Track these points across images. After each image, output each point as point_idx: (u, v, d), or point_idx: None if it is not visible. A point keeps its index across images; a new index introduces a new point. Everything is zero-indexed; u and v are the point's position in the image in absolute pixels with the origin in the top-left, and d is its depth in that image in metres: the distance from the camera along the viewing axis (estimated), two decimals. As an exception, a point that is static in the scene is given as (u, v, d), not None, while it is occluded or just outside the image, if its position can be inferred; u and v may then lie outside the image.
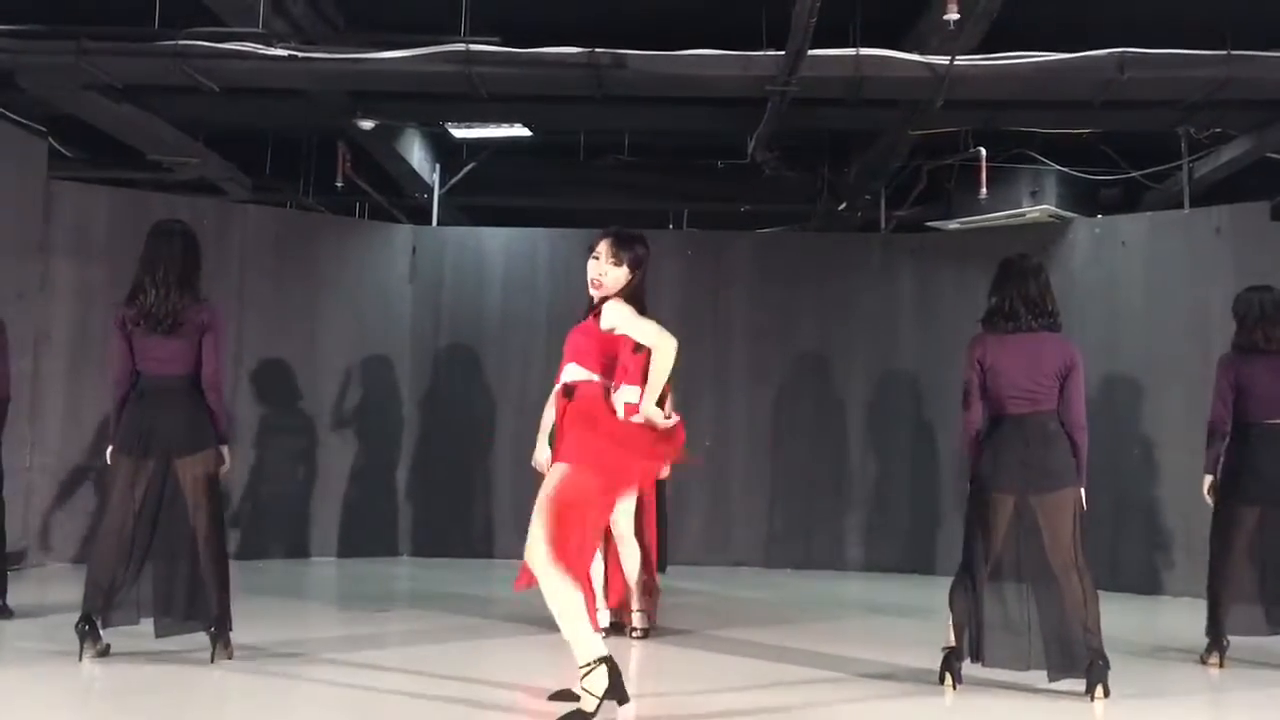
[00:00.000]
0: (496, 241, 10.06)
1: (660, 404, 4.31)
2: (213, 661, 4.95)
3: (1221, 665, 5.59)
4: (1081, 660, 4.72)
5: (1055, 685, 4.79)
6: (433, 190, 10.45)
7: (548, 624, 5.83)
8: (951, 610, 4.93)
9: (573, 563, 4.11)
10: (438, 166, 10.44)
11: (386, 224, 10.36)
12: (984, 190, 9.09)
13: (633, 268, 4.35)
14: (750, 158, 8.95)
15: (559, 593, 4.05)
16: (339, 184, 9.87)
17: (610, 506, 4.55)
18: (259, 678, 4.85)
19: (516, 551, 9.43)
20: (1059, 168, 9.30)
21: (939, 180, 9.81)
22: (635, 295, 4.38)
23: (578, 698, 4.12)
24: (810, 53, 6.73)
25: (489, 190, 10.61)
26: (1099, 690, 4.68)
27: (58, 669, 4.88)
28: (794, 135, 9.19)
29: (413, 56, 7.16)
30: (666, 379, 4.26)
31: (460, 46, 7.10)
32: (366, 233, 10.03)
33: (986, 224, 9.51)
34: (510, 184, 10.60)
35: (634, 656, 5.55)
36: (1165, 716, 4.85)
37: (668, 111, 8.66)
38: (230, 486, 8.87)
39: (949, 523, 9.23)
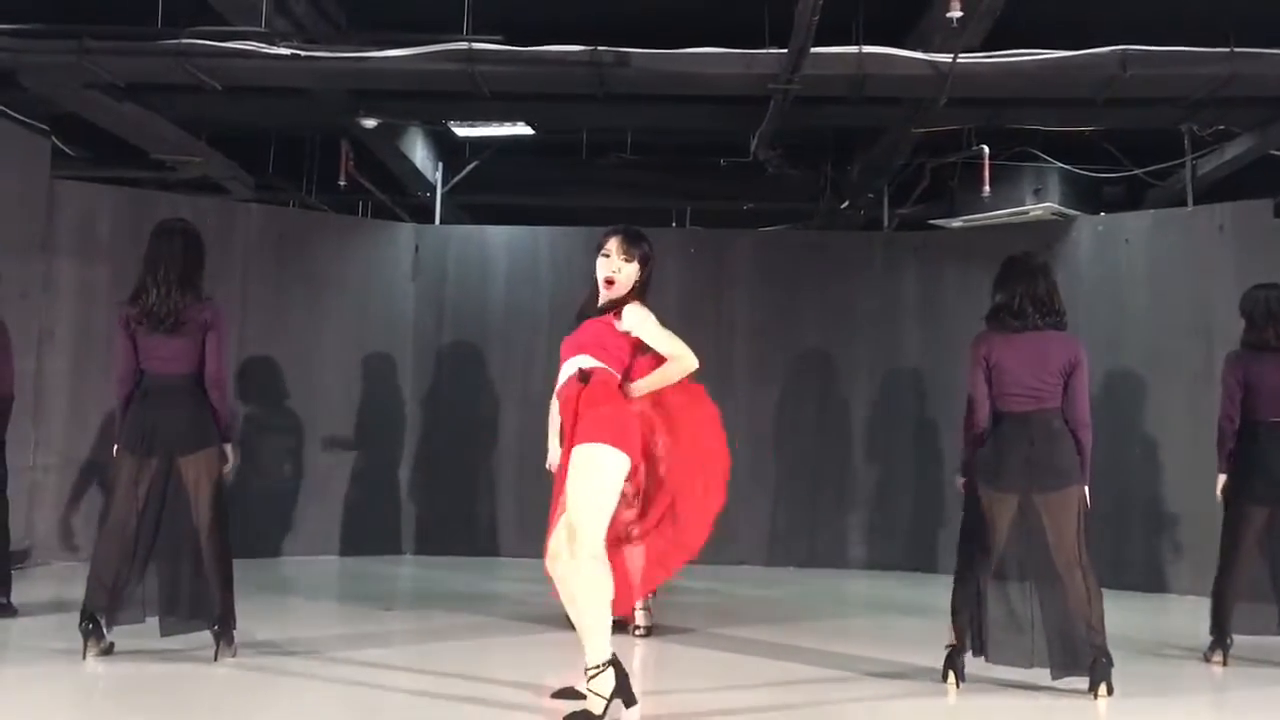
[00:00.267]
0: (499, 240, 10.06)
1: None
2: (216, 660, 4.96)
3: (1225, 663, 5.59)
4: (1085, 658, 4.72)
5: (1059, 683, 4.78)
6: (435, 189, 10.46)
7: (551, 622, 5.87)
8: (953, 608, 4.93)
9: (608, 553, 4.13)
10: (440, 165, 10.44)
11: (389, 222, 10.36)
12: (987, 188, 9.08)
13: (643, 264, 4.37)
14: (753, 156, 8.94)
15: (598, 586, 4.05)
16: (342, 183, 9.87)
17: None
18: (262, 676, 4.85)
19: (520, 549, 9.48)
20: (1062, 165, 9.29)
21: (942, 178, 9.80)
22: (644, 293, 4.39)
23: (582, 696, 4.12)
24: (813, 51, 6.72)
25: (491, 189, 10.61)
26: (1103, 688, 4.68)
27: (61, 667, 4.89)
28: (797, 133, 9.19)
29: (415, 55, 7.16)
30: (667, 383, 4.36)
31: (463, 45, 7.10)
32: (369, 231, 10.03)
33: (990, 222, 9.49)
34: (513, 182, 10.60)
35: (637, 655, 5.55)
36: (1168, 715, 4.85)
37: (670, 110, 8.66)
38: (233, 485, 8.88)
39: (952, 521, 9.19)
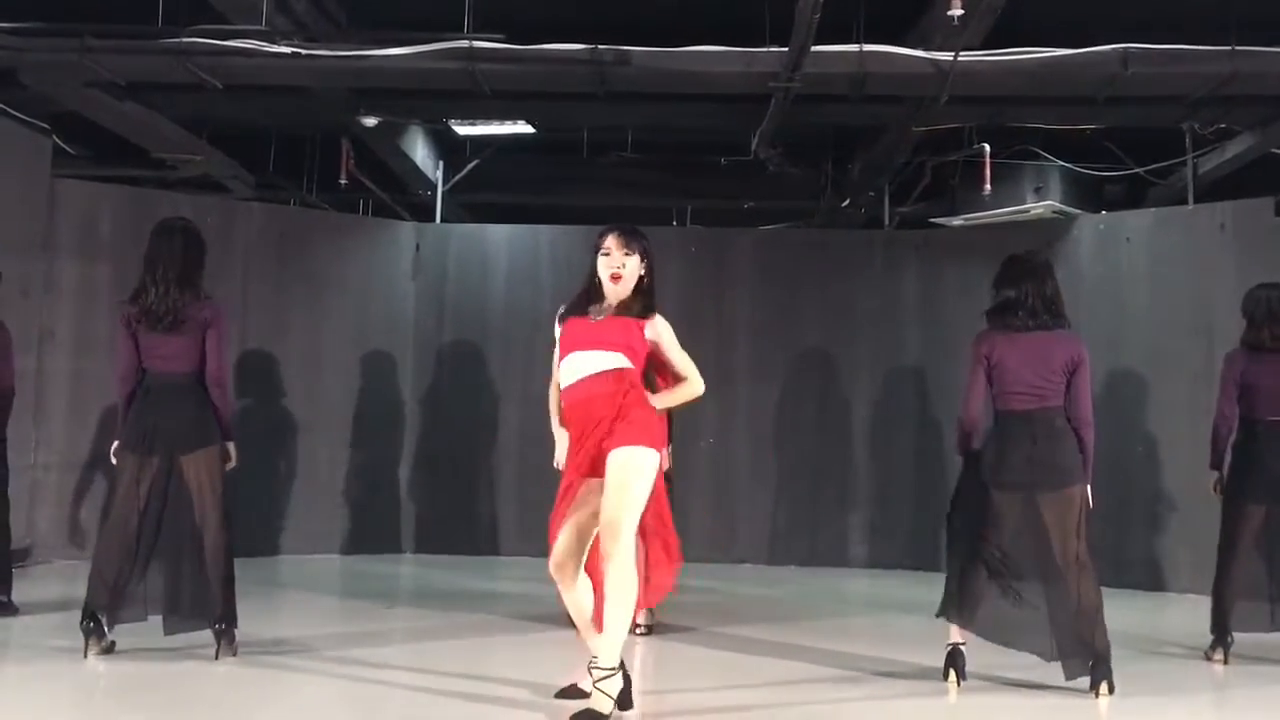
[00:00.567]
0: (500, 238, 10.06)
1: None
2: (217, 659, 4.96)
3: (1226, 661, 5.59)
4: (1087, 657, 4.72)
5: (1059, 683, 4.78)
6: (436, 187, 10.46)
7: (552, 621, 5.87)
8: (946, 589, 4.95)
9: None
10: (441, 164, 10.44)
11: (390, 221, 10.36)
12: (988, 186, 9.08)
13: (644, 257, 4.35)
14: (753, 154, 8.93)
15: (633, 587, 4.05)
16: (342, 181, 9.87)
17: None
18: (263, 674, 4.85)
19: (520, 548, 9.47)
20: (1063, 164, 9.28)
21: (943, 177, 9.80)
22: (651, 290, 4.38)
23: (585, 695, 4.12)
24: (814, 49, 6.72)
25: (492, 187, 10.62)
26: (1103, 687, 4.68)
27: (61, 666, 4.89)
28: (797, 132, 9.18)
29: (416, 53, 7.16)
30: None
31: (463, 43, 7.10)
32: (370, 230, 10.03)
33: (991, 220, 9.49)
34: (513, 181, 10.60)
35: (639, 653, 5.55)
36: (1169, 713, 4.84)
37: (671, 108, 8.65)
38: (234, 483, 8.87)
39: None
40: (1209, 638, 5.72)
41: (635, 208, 10.79)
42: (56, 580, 7.25)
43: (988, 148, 9.01)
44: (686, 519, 9.14)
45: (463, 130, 9.56)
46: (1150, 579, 8.22)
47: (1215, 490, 5.79)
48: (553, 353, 4.47)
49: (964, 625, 4.88)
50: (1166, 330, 8.35)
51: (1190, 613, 6.73)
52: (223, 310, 5.30)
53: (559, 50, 7.16)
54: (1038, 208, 9.34)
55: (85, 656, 4.92)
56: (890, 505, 9.45)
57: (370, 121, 8.73)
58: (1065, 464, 4.81)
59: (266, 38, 7.04)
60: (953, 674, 4.88)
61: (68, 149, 9.10)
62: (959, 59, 6.88)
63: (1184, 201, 8.97)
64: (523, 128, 9.32)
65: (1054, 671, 4.80)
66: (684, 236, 10.38)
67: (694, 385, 4.41)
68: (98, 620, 4.96)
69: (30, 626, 5.76)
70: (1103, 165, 9.33)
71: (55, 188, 8.36)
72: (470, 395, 9.67)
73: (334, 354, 9.40)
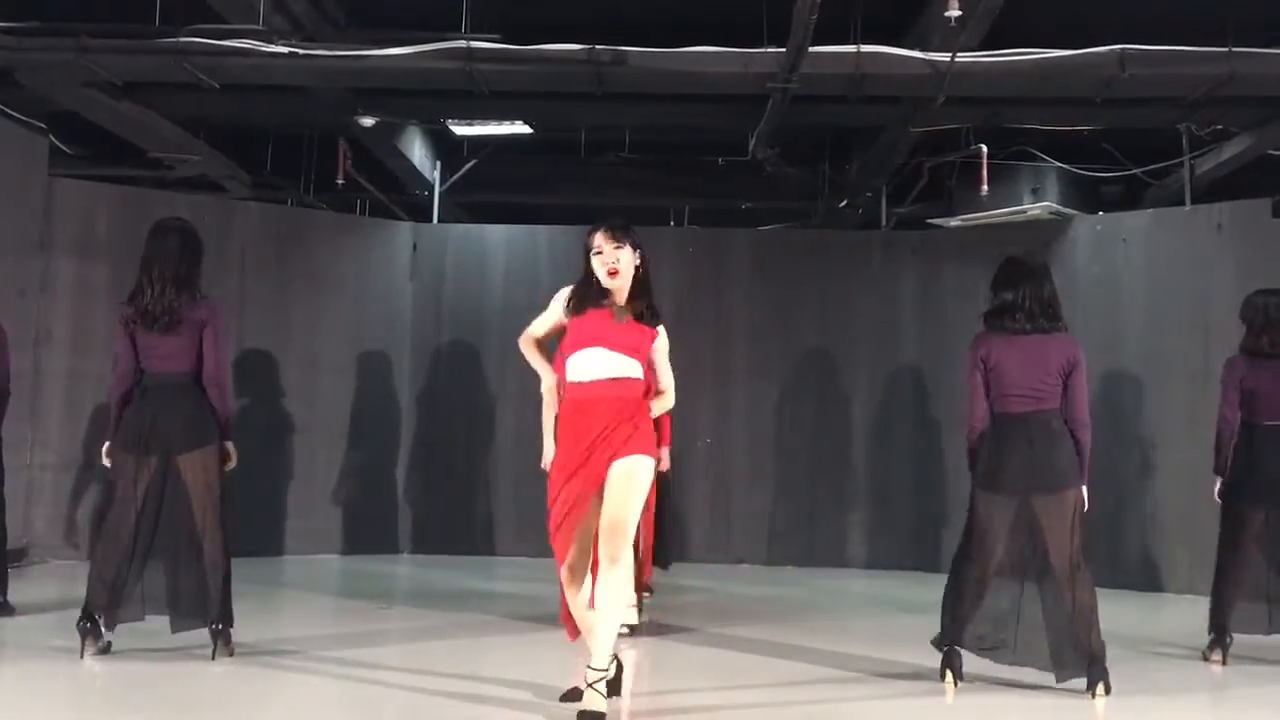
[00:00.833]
0: (497, 238, 10.06)
1: None
2: (214, 659, 4.95)
3: (1224, 662, 5.59)
4: (1084, 658, 4.72)
5: (1059, 684, 4.78)
6: (433, 187, 10.45)
7: (550, 621, 5.86)
8: (943, 602, 4.94)
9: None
10: (438, 164, 10.44)
11: (387, 221, 10.36)
12: (985, 187, 9.09)
13: (635, 248, 4.34)
14: (751, 155, 8.94)
15: (629, 590, 4.06)
16: (340, 181, 9.87)
17: None
18: (260, 674, 4.85)
19: (517, 548, 9.45)
20: (1060, 165, 9.29)
21: (940, 177, 9.81)
22: (649, 281, 4.37)
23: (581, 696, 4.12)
24: (811, 50, 6.72)
25: (490, 187, 10.61)
26: (1100, 688, 4.68)
27: (58, 666, 4.87)
28: (795, 132, 9.19)
29: (413, 53, 7.15)
30: None
31: (461, 43, 7.10)
32: (367, 230, 10.02)
33: (988, 221, 9.50)
34: (511, 181, 10.60)
35: (637, 654, 5.55)
36: (1167, 713, 4.84)
37: (668, 108, 8.65)
38: (231, 483, 8.87)
39: (951, 520, 9.23)
40: (1207, 638, 5.72)
41: (633, 208, 10.77)
42: (52, 580, 7.24)
43: (985, 148, 9.03)
44: (685, 519, 9.19)
45: (460, 130, 9.56)
46: (1147, 580, 8.23)
47: (1219, 497, 5.79)
48: (543, 320, 4.46)
49: (959, 644, 4.87)
50: (1163, 331, 8.36)
51: (1188, 613, 6.73)
52: (220, 309, 5.28)
53: (556, 50, 7.16)
54: (1035, 209, 9.35)
55: (81, 657, 4.90)
56: (888, 505, 9.46)
57: (368, 121, 8.73)
58: (1061, 466, 4.81)
59: (264, 37, 7.04)
60: (949, 674, 4.87)
61: (64, 148, 9.09)
62: (956, 60, 6.89)
63: (1181, 202, 8.98)
64: (520, 128, 9.31)
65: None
66: (681, 237, 10.39)
67: (669, 399, 4.44)
68: (94, 620, 4.95)
69: (26, 627, 5.75)
70: (1100, 166, 9.34)
71: (52, 187, 8.36)
72: (467, 395, 9.66)
73: (331, 354, 9.40)
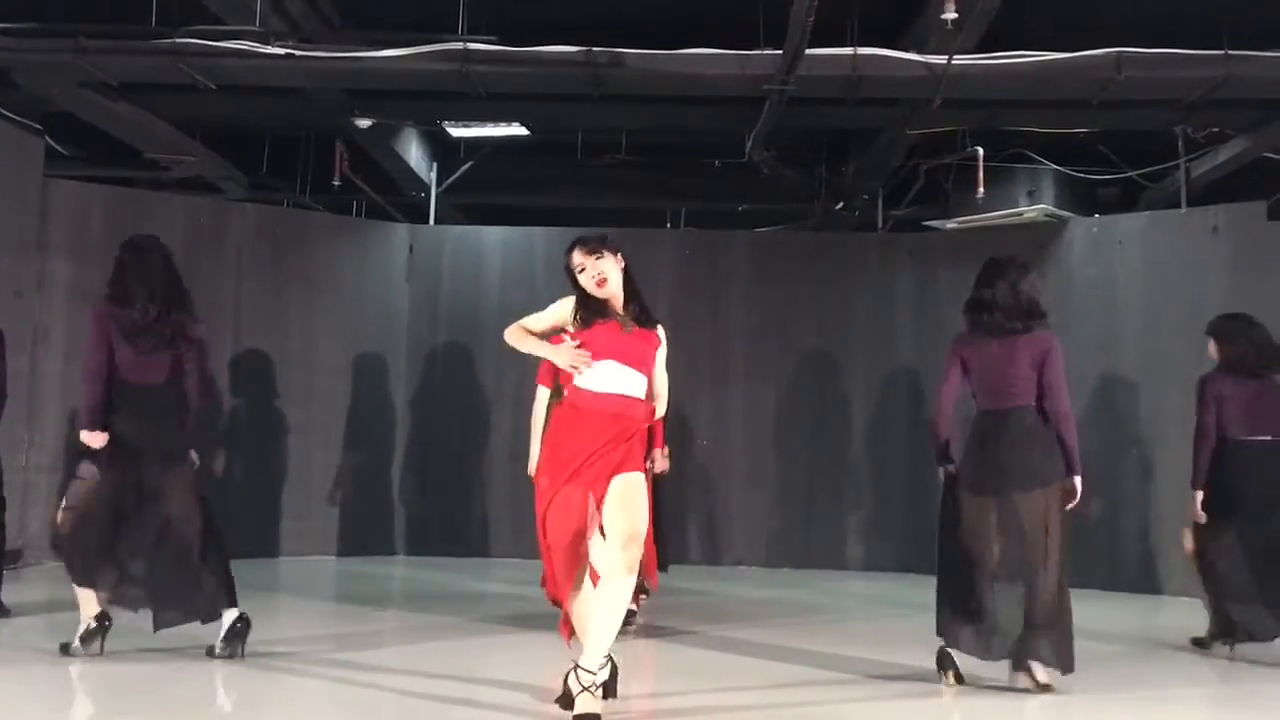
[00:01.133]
0: (494, 240, 10.06)
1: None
2: (216, 655, 4.94)
3: (1233, 649, 5.66)
4: (1049, 648, 4.73)
5: (1055, 683, 4.78)
6: (430, 189, 10.45)
7: (546, 623, 5.86)
8: (937, 602, 4.94)
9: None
10: (435, 165, 10.44)
11: (384, 223, 10.35)
12: (981, 190, 9.09)
13: (614, 252, 4.36)
14: (748, 157, 8.94)
15: (627, 599, 4.09)
16: (336, 183, 9.86)
17: None
18: (256, 676, 4.84)
19: (512, 550, 9.41)
20: (1056, 167, 9.30)
21: (936, 180, 9.82)
22: (634, 281, 4.39)
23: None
24: (808, 52, 6.73)
25: (486, 189, 10.61)
26: (1042, 672, 4.69)
27: (54, 668, 4.87)
28: (792, 134, 9.20)
29: (410, 55, 7.15)
30: None
31: (458, 45, 7.10)
32: (363, 231, 10.02)
33: (984, 223, 9.51)
34: (507, 183, 10.60)
35: (635, 656, 5.54)
36: (1166, 713, 4.85)
37: (665, 110, 8.65)
38: (228, 485, 8.87)
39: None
40: (1208, 635, 5.83)
41: (629, 210, 10.79)
42: (46, 582, 7.22)
43: (981, 151, 9.03)
44: (682, 521, 9.18)
45: (457, 132, 9.56)
46: (1145, 581, 8.23)
47: (1201, 509, 5.88)
48: (540, 318, 4.38)
49: (953, 645, 4.88)
50: (1159, 333, 8.37)
51: (1184, 614, 6.74)
52: (201, 326, 5.33)
53: (553, 52, 7.16)
54: (1031, 211, 9.36)
55: (101, 652, 4.89)
56: (885, 507, 9.46)
57: (364, 123, 8.73)
58: (1032, 465, 4.79)
59: (260, 39, 7.04)
60: (950, 674, 4.86)
61: (60, 149, 9.08)
62: (953, 62, 6.89)
63: (1177, 205, 9.00)
64: (517, 129, 9.32)
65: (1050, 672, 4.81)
66: (678, 239, 10.39)
67: (661, 406, 4.46)
68: (105, 622, 4.95)
69: (23, 628, 5.74)
70: (1096, 168, 9.35)
71: (48, 188, 8.35)
72: (464, 396, 9.66)
73: (328, 355, 9.39)
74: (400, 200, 10.78)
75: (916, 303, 9.59)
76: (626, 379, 4.23)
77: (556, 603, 4.62)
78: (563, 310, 4.35)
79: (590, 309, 4.32)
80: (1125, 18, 7.09)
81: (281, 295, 9.24)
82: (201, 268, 8.94)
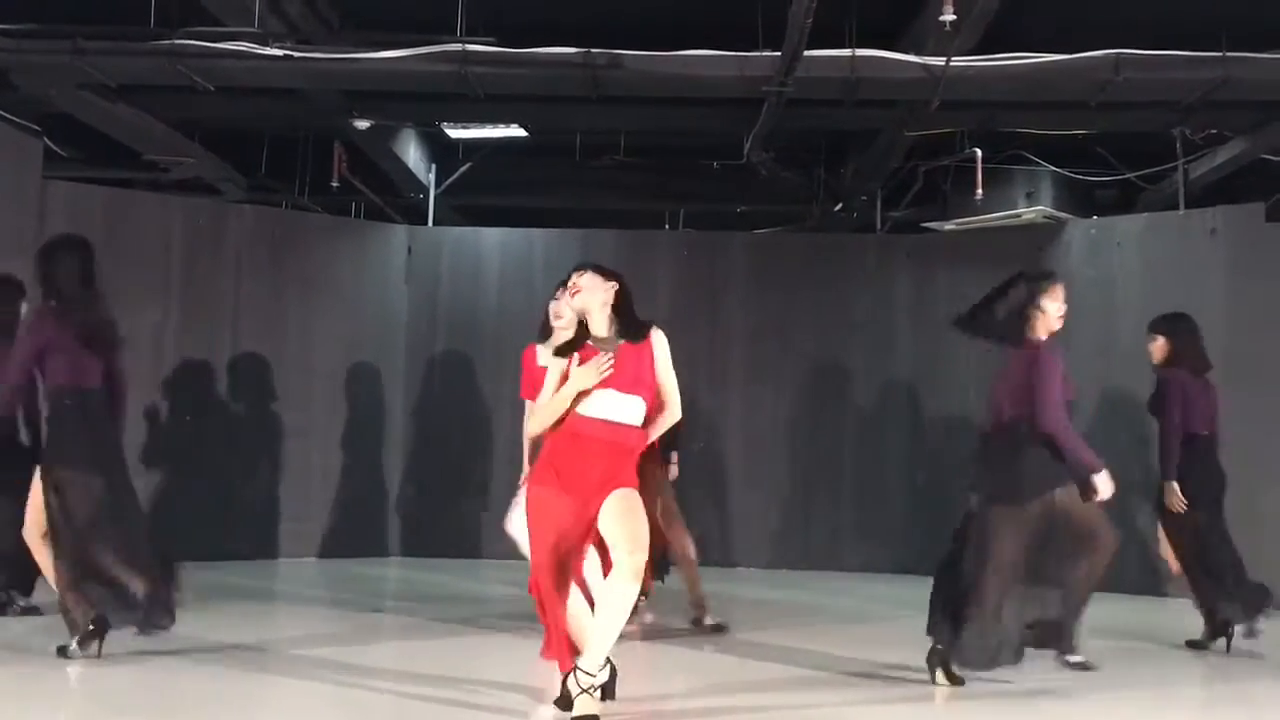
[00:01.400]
0: (492, 241, 10.06)
1: None
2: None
3: (1229, 649, 5.77)
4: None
5: (1052, 681, 4.79)
6: (428, 190, 10.45)
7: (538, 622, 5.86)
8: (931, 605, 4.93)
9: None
10: (433, 166, 10.44)
11: (382, 224, 10.35)
12: (980, 191, 9.09)
13: (599, 273, 4.35)
14: (746, 158, 8.94)
15: (630, 605, 4.08)
16: (334, 184, 9.86)
17: None
18: (252, 677, 4.84)
19: (509, 552, 9.40)
20: (1054, 169, 9.30)
21: (935, 181, 9.82)
22: (627, 305, 4.37)
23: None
24: (806, 53, 6.73)
25: (485, 190, 10.61)
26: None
27: (50, 669, 4.86)
28: (790, 136, 9.19)
29: (408, 56, 7.15)
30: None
31: (456, 46, 7.09)
32: (362, 233, 10.02)
33: (982, 225, 9.51)
34: (506, 184, 10.60)
35: (634, 658, 5.54)
36: (1166, 713, 4.85)
37: (664, 112, 8.66)
38: (226, 487, 8.87)
39: (944, 524, 9.22)
40: (1205, 631, 5.98)
41: (628, 211, 10.80)
42: (42, 584, 7.21)
43: (979, 152, 9.03)
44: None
45: (455, 133, 9.56)
46: (1145, 582, 8.22)
47: (1177, 501, 6.02)
48: (546, 391, 4.34)
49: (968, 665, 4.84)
50: (1158, 335, 8.35)
51: (1186, 616, 6.73)
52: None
53: (551, 53, 7.16)
54: (1029, 212, 9.36)
55: (99, 655, 4.89)
56: (884, 509, 9.46)
57: (363, 124, 8.73)
58: (1013, 479, 4.81)
59: (259, 40, 7.03)
60: (940, 673, 4.85)
61: (59, 151, 9.07)
62: (951, 64, 6.89)
63: (1175, 207, 9.00)
64: (515, 131, 9.32)
65: (1050, 674, 4.81)
66: (676, 240, 10.39)
67: (673, 412, 4.37)
68: (104, 625, 4.95)
69: (16, 629, 5.73)
70: (1094, 170, 9.36)
71: (46, 189, 8.34)
72: (462, 398, 9.65)
73: (326, 357, 9.39)
74: (399, 201, 10.77)
75: (915, 304, 9.59)
76: (620, 406, 4.20)
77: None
78: (553, 366, 4.34)
79: (577, 340, 4.34)
80: (1123, 19, 7.09)
81: (280, 296, 9.23)
82: (200, 269, 8.97)
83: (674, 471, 6.52)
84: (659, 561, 6.43)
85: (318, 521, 9.23)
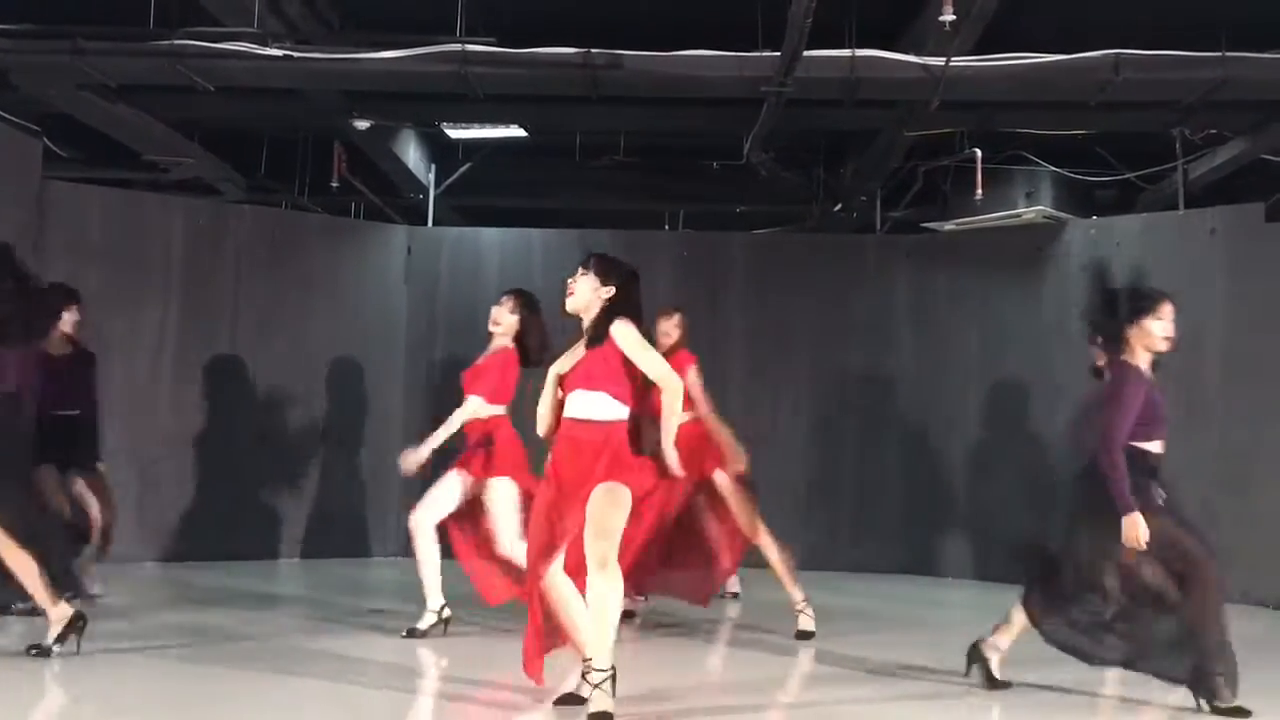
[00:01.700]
0: (492, 242, 10.06)
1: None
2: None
3: None
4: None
5: (1052, 682, 4.79)
6: (428, 190, 10.45)
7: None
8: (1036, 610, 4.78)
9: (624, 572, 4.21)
10: (433, 167, 10.44)
11: (382, 224, 10.35)
12: (979, 191, 9.09)
13: (601, 276, 4.37)
14: (746, 158, 8.95)
15: (618, 601, 4.12)
16: (334, 184, 9.87)
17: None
18: (250, 675, 4.84)
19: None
20: (1054, 169, 9.31)
21: (934, 181, 9.82)
22: (632, 304, 4.37)
23: (583, 700, 4.14)
24: (806, 53, 6.73)
25: (485, 190, 10.62)
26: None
27: (41, 667, 4.86)
28: (790, 136, 9.20)
29: (408, 56, 7.16)
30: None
31: (456, 46, 7.10)
32: (362, 233, 10.02)
33: (982, 225, 9.51)
34: (506, 184, 10.60)
35: (638, 653, 5.54)
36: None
37: (663, 112, 8.66)
38: (225, 487, 8.87)
39: (943, 524, 9.25)
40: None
41: (627, 211, 10.81)
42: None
43: (979, 152, 9.04)
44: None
45: (455, 133, 9.56)
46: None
47: None
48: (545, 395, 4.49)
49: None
50: (1157, 335, 8.36)
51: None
52: None
53: (551, 53, 7.16)
54: (1029, 213, 9.36)
55: (78, 651, 4.91)
56: (881, 509, 9.45)
57: (362, 124, 8.73)
58: (1084, 500, 4.76)
59: (258, 40, 7.04)
60: (977, 669, 4.81)
61: (58, 151, 9.07)
62: (951, 64, 6.90)
63: (1175, 207, 9.00)
64: (515, 131, 9.32)
65: (1053, 671, 4.81)
66: (676, 240, 10.39)
67: (668, 389, 4.31)
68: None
69: (12, 630, 5.73)
70: (1094, 170, 9.36)
71: (46, 190, 8.34)
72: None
73: (325, 357, 9.38)
74: (398, 202, 10.78)
75: (914, 304, 9.59)
76: (586, 404, 4.29)
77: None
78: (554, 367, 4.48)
79: (572, 346, 4.47)
80: (1123, 19, 7.09)
81: (280, 296, 9.23)
82: (199, 269, 8.97)
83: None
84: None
85: (318, 521, 9.22)
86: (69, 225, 8.41)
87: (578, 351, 4.39)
